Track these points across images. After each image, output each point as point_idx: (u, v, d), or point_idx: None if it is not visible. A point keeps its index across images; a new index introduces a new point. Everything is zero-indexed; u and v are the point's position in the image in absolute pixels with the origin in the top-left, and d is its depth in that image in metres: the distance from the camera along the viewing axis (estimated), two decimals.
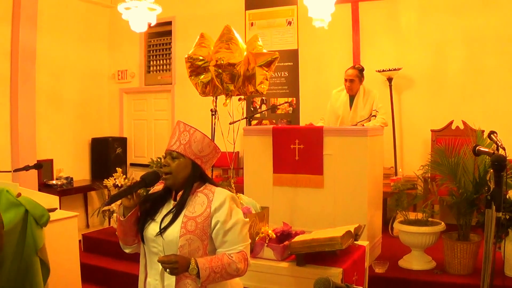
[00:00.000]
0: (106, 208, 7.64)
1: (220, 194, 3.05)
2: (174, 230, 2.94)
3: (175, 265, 2.77)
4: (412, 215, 5.95)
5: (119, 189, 7.44)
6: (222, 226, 2.96)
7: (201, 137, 3.09)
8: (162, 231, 2.96)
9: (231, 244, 2.98)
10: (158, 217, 3.06)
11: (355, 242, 4.57)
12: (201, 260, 2.86)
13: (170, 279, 2.95)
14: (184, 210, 3.01)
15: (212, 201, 3.01)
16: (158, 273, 3.01)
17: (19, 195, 4.36)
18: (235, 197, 3.10)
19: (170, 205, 3.10)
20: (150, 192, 3.31)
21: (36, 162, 8.50)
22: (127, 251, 3.29)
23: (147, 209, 3.13)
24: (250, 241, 3.10)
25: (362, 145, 5.81)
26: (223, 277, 2.93)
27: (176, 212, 3.00)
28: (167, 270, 2.79)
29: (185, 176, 3.06)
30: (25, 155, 8.81)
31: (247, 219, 3.11)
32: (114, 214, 7.52)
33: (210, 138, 3.10)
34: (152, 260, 3.05)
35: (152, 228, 3.03)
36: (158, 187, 3.27)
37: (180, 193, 3.07)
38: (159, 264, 2.88)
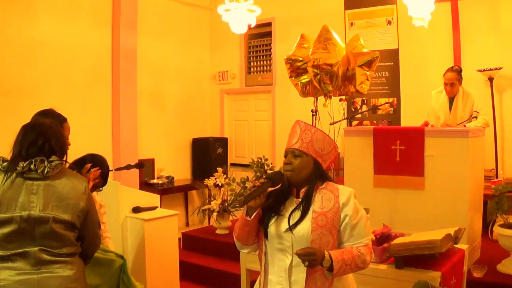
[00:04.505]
0: (206, 207, 7.78)
1: (345, 191, 3.14)
2: (305, 226, 3.02)
3: (314, 257, 2.89)
4: None
5: (219, 188, 7.59)
6: (350, 221, 3.06)
7: (322, 136, 3.18)
8: (292, 227, 3.03)
9: (358, 237, 3.08)
10: (284, 213, 3.13)
11: (455, 245, 4.55)
12: (333, 252, 2.96)
13: (298, 275, 3.02)
14: (312, 205, 3.08)
15: (339, 197, 3.09)
16: (282, 270, 3.07)
17: None
18: (356, 194, 3.17)
19: (292, 201, 3.17)
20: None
21: (137, 161, 8.78)
22: (245, 251, 3.38)
23: (270, 205, 3.18)
24: (372, 235, 3.21)
25: (464, 146, 5.72)
26: (352, 269, 3.03)
27: (304, 208, 3.07)
28: (306, 263, 2.90)
29: (307, 174, 3.14)
30: (126, 154, 9.09)
31: (368, 215, 3.21)
32: (214, 213, 7.67)
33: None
34: (275, 257, 3.12)
35: (280, 224, 3.10)
36: None
37: (303, 189, 3.15)
38: (284, 260, 3.06)
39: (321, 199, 3.10)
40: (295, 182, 3.16)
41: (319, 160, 3.18)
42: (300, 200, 3.14)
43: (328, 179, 3.22)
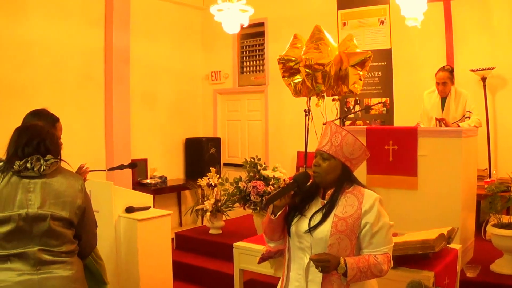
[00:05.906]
0: (200, 207, 7.78)
1: (370, 197, 3.11)
2: (325, 229, 3.02)
3: (327, 264, 2.89)
4: (505, 218, 5.74)
5: (212, 188, 7.59)
6: (370, 228, 3.04)
7: (352, 140, 3.16)
8: (312, 229, 3.05)
9: (377, 245, 3.05)
10: (307, 214, 3.15)
11: (448, 245, 4.55)
12: (349, 259, 2.95)
13: (315, 275, 3.04)
14: (334, 209, 3.07)
15: (362, 203, 3.08)
16: (301, 268, 3.11)
17: None
18: (382, 200, 3.14)
19: (318, 202, 3.19)
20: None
21: (130, 161, 8.78)
22: (271, 245, 3.41)
23: (295, 204, 3.22)
24: (393, 243, 3.18)
25: (457, 146, 5.70)
26: (367, 276, 3.01)
27: (327, 211, 3.08)
28: (319, 268, 2.91)
29: (334, 177, 3.14)
30: (119, 155, 9.08)
31: (392, 222, 3.17)
32: (207, 213, 7.66)
33: (358, 139, 3.20)
34: (296, 255, 3.16)
35: (301, 225, 3.12)
36: None
37: (329, 192, 3.16)
38: (303, 259, 3.09)
39: (345, 204, 3.09)
40: (322, 184, 3.18)
41: (348, 164, 3.17)
42: (325, 202, 3.15)
43: (356, 183, 3.21)
